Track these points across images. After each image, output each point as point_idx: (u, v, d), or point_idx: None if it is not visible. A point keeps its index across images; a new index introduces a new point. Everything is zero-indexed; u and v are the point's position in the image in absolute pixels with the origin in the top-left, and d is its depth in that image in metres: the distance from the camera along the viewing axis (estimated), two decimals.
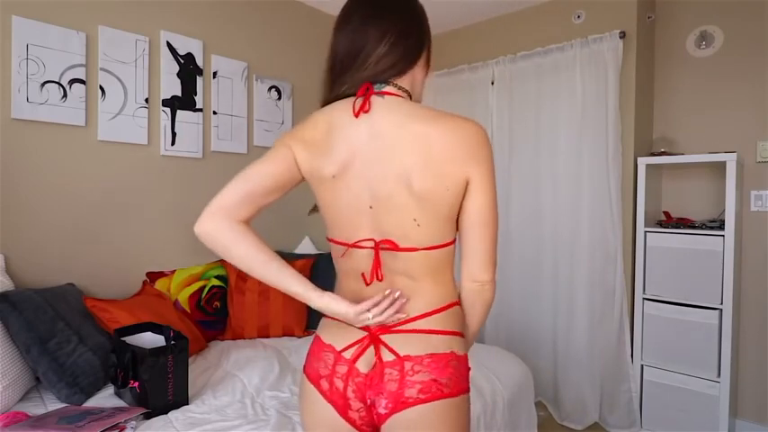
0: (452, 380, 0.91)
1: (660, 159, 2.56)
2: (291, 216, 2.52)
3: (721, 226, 2.38)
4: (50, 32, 2.02)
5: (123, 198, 2.29)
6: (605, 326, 2.65)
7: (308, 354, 1.02)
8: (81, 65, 2.11)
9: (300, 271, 2.63)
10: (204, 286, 2.41)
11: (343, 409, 0.93)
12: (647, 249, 2.54)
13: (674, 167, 2.73)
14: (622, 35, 2.58)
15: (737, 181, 2.34)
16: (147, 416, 1.54)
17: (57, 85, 2.04)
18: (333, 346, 0.96)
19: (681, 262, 2.43)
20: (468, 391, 0.95)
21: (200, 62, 2.55)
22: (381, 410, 0.91)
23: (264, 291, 2.42)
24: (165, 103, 2.42)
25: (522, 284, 2.99)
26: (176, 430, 1.48)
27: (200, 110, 2.56)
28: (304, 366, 1.02)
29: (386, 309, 0.89)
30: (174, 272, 2.37)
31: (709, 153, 2.52)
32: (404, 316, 0.92)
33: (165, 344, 1.69)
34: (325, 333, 0.99)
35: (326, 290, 0.94)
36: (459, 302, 0.99)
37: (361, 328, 0.94)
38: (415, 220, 0.89)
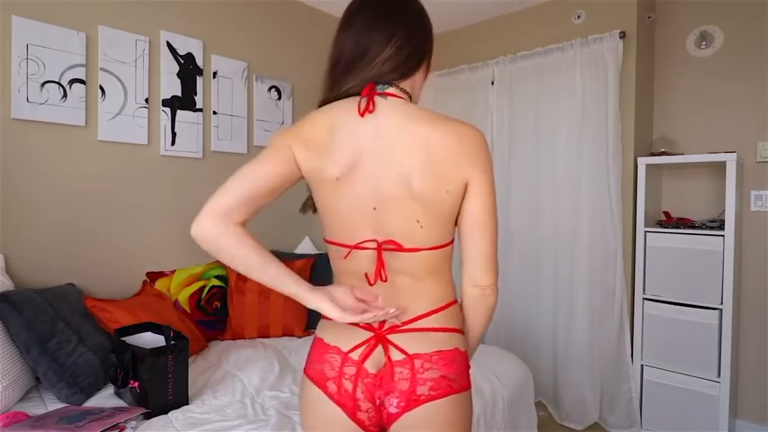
0: (459, 375, 0.93)
1: (660, 159, 2.56)
2: (291, 216, 2.48)
3: (721, 226, 2.38)
4: (50, 32, 2.02)
5: (123, 198, 2.29)
6: (605, 326, 2.65)
7: (309, 355, 1.01)
8: (81, 65, 2.11)
9: (300, 271, 2.64)
10: (204, 286, 2.41)
11: (353, 411, 0.93)
12: (647, 249, 2.54)
13: (674, 167, 2.73)
14: (622, 35, 2.58)
15: (737, 181, 2.34)
16: (147, 416, 1.54)
17: (57, 85, 2.04)
18: (338, 348, 0.95)
19: (681, 262, 2.43)
20: (470, 386, 0.97)
21: (200, 62, 2.55)
22: (392, 410, 0.91)
23: (264, 291, 2.41)
24: (165, 103, 2.42)
25: (522, 284, 2.99)
26: (176, 430, 1.48)
27: (200, 110, 2.56)
28: (305, 368, 1.01)
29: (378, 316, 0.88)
30: (174, 272, 2.37)
31: (709, 153, 2.52)
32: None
33: (165, 344, 1.69)
34: (328, 334, 0.98)
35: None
36: (457, 301, 1.00)
37: (366, 329, 0.94)
38: (418, 221, 0.90)
